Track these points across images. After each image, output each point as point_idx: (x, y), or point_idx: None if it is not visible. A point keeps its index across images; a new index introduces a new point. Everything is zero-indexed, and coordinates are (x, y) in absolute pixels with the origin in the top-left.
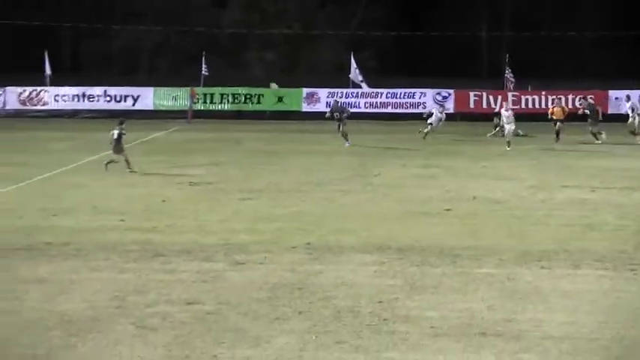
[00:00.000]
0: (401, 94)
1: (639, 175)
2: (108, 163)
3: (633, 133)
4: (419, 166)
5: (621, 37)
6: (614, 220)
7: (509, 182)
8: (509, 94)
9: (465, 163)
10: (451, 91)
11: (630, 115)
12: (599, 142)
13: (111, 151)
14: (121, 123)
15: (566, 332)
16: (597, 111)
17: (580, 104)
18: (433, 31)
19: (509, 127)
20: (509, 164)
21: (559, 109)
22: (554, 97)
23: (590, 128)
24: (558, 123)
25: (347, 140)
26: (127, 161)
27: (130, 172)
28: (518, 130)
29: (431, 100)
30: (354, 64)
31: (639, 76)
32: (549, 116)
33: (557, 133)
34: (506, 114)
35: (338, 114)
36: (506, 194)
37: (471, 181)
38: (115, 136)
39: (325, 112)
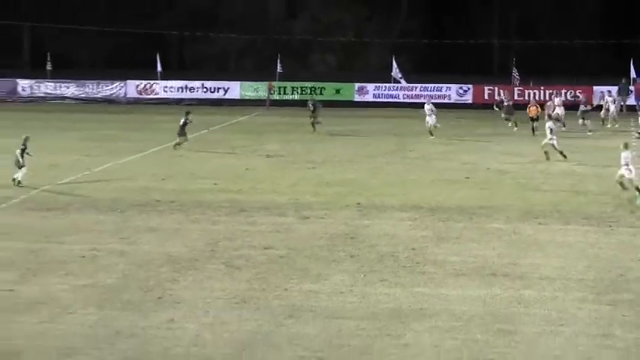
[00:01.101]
0: (431, 87)
1: (613, 153)
2: (176, 144)
3: (603, 122)
4: (444, 144)
5: (605, 44)
6: (596, 187)
7: (515, 157)
8: (515, 89)
9: (480, 142)
10: (470, 85)
11: (610, 107)
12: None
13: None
14: (187, 113)
15: (558, 274)
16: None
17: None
18: (456, 39)
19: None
20: (516, 143)
21: (534, 108)
22: (550, 90)
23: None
24: (535, 122)
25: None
26: (178, 144)
27: (174, 148)
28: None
29: (455, 93)
30: (394, 65)
31: (618, 75)
32: (529, 115)
33: (533, 129)
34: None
35: (311, 104)
36: (512, 166)
37: (485, 156)
38: (181, 123)
39: (371, 102)
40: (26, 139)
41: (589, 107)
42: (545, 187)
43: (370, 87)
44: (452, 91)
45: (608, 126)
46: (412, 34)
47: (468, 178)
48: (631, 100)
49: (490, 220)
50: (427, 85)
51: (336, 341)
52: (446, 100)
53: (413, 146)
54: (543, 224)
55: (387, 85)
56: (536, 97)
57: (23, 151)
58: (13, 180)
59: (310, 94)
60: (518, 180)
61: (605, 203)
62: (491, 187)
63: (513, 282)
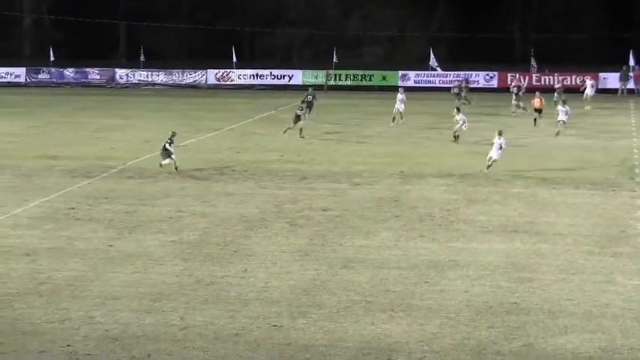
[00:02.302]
0: (462, 75)
1: (616, 128)
2: (286, 130)
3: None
4: (472, 121)
5: (609, 36)
6: (601, 157)
7: (533, 131)
8: (534, 75)
9: (503, 119)
10: (495, 72)
11: (588, 90)
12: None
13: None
14: (302, 102)
15: (569, 230)
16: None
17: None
18: (484, 33)
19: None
20: (530, 121)
21: (539, 100)
22: (562, 77)
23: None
24: (538, 113)
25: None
26: (290, 128)
27: (284, 132)
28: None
29: (482, 79)
30: (432, 55)
31: (620, 63)
32: (535, 107)
33: (535, 120)
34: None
35: (311, 97)
36: (530, 140)
37: (507, 131)
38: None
39: (413, 87)
40: (173, 135)
41: (522, 89)
42: (557, 157)
43: (411, 74)
44: (480, 77)
45: (587, 107)
46: (447, 29)
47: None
48: (630, 85)
49: (512, 185)
50: (458, 72)
51: (383, 287)
52: (475, 85)
53: (447, 123)
54: (557, 189)
55: (426, 72)
56: (550, 82)
57: (170, 143)
58: (161, 165)
59: (361, 80)
60: (535, 151)
61: (609, 171)
62: (512, 157)
63: (531, 237)
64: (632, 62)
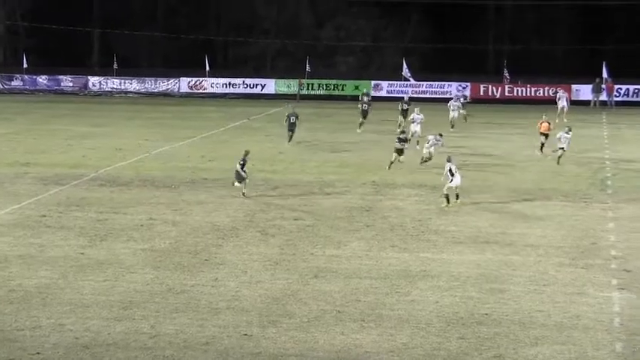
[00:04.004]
0: (435, 85)
1: (588, 140)
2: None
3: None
4: (445, 132)
5: (582, 49)
6: (573, 169)
7: (507, 143)
8: (506, 86)
9: (477, 130)
10: (468, 83)
11: (561, 104)
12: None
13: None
14: (289, 118)
15: (541, 242)
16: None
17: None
18: (457, 44)
19: None
20: (506, 131)
21: (546, 124)
22: (536, 88)
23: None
24: (544, 137)
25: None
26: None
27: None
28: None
29: (455, 89)
30: (405, 65)
31: (593, 76)
32: (540, 131)
33: (543, 145)
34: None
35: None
36: (504, 151)
37: (482, 142)
38: (292, 120)
39: (386, 97)
40: (246, 154)
41: (467, 100)
42: (530, 168)
43: (384, 84)
44: (452, 88)
45: (565, 120)
46: (420, 40)
47: (465, 161)
48: (603, 97)
49: (484, 197)
50: (432, 82)
51: (353, 297)
52: (447, 96)
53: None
54: (528, 200)
55: (399, 82)
56: (524, 94)
57: (243, 165)
58: (233, 184)
59: (333, 89)
60: (508, 162)
61: (581, 183)
62: (486, 169)
63: (502, 248)
64: (604, 74)
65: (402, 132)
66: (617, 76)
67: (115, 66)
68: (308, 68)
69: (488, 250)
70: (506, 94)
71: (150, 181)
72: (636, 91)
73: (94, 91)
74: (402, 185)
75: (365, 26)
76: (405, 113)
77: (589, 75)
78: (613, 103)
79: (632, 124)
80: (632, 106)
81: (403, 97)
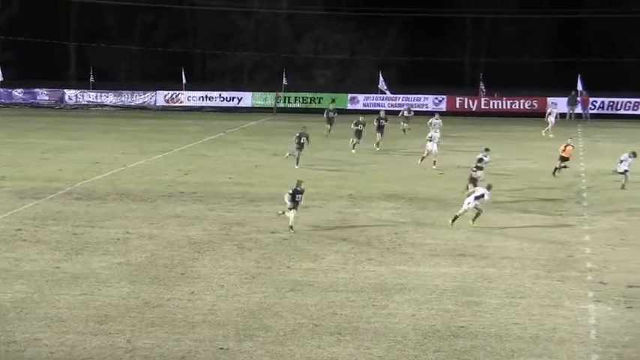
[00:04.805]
0: (411, 98)
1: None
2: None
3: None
4: (420, 145)
5: (557, 62)
6: (549, 182)
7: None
8: (482, 99)
9: (451, 143)
10: (445, 96)
11: (551, 119)
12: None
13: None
14: (299, 138)
15: (517, 254)
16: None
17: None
18: (433, 57)
19: None
20: (482, 144)
21: (571, 148)
22: (511, 100)
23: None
24: (564, 162)
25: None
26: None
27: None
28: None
29: (431, 102)
30: (381, 78)
31: (568, 89)
32: (562, 154)
33: (559, 168)
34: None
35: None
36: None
37: (457, 155)
38: (302, 140)
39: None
40: (298, 184)
41: (411, 114)
42: (506, 181)
43: (361, 97)
44: (429, 101)
45: (551, 135)
46: (397, 53)
47: (441, 173)
48: (578, 109)
49: (459, 209)
50: (408, 95)
51: (330, 310)
52: (424, 109)
53: (395, 146)
54: (505, 212)
55: (375, 95)
56: (499, 106)
57: (294, 195)
58: (279, 214)
59: (310, 102)
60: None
61: (557, 195)
62: (460, 181)
63: (479, 261)
64: (579, 87)
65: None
66: (593, 89)
67: (92, 79)
68: (285, 81)
69: (465, 263)
70: (482, 106)
71: (126, 195)
72: (611, 103)
73: (71, 105)
74: (379, 198)
75: (342, 39)
76: (381, 130)
77: (565, 88)
78: (588, 115)
79: (607, 136)
80: (607, 119)
81: (380, 112)
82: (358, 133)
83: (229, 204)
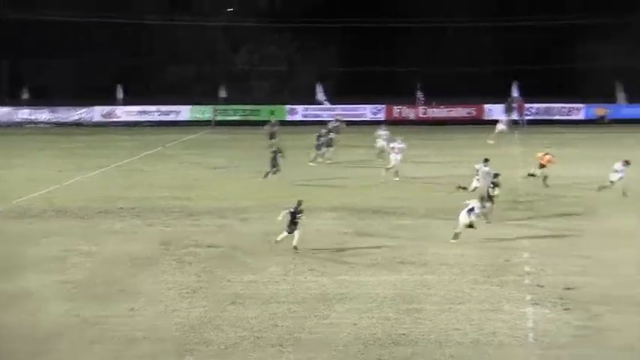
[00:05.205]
0: (349, 107)
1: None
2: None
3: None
4: (361, 155)
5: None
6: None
7: (421, 164)
8: (420, 108)
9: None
10: (383, 105)
11: (500, 126)
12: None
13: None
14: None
15: (456, 260)
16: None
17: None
18: (372, 67)
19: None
20: (423, 152)
21: (550, 156)
22: (449, 109)
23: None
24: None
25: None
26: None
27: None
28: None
29: (369, 112)
30: (319, 89)
31: (505, 95)
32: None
33: (534, 175)
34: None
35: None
36: (419, 173)
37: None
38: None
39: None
40: (299, 204)
41: (339, 124)
42: (443, 189)
43: (300, 108)
44: (367, 111)
45: (490, 142)
46: (335, 63)
47: (383, 182)
48: (514, 116)
49: (400, 218)
50: (347, 105)
51: (271, 322)
52: (362, 118)
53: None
54: (444, 219)
55: (314, 106)
56: (438, 115)
57: (294, 215)
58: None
59: (249, 115)
60: (424, 184)
61: (495, 201)
62: (402, 191)
63: (418, 268)
64: (515, 94)
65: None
66: (528, 96)
67: (25, 96)
68: (223, 94)
69: (404, 271)
70: (421, 115)
71: (63, 212)
72: (547, 109)
73: (3, 122)
74: (319, 208)
75: (277, 51)
76: (330, 142)
77: (502, 95)
78: (524, 121)
79: (543, 142)
80: (543, 125)
81: (327, 124)
82: (319, 147)
83: (168, 218)
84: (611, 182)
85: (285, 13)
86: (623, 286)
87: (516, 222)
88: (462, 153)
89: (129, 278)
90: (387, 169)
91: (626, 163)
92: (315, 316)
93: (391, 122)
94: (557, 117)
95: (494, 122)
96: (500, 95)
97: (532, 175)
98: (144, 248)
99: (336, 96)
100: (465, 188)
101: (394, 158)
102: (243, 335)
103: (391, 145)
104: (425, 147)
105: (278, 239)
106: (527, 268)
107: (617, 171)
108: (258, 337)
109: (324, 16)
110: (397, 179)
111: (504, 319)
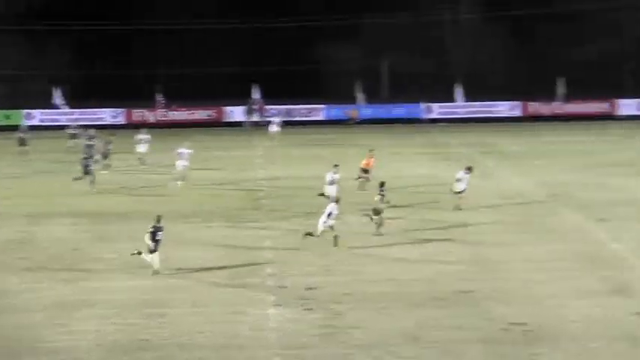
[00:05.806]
0: (88, 111)
1: (242, 161)
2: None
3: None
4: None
5: (234, 72)
6: (231, 191)
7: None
8: (159, 111)
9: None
10: (123, 109)
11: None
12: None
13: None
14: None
15: (196, 263)
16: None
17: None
18: (111, 70)
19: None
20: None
21: (372, 160)
22: (190, 111)
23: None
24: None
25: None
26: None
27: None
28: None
29: (109, 116)
30: (56, 93)
31: (245, 97)
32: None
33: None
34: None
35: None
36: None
37: (117, 173)
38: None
39: (38, 126)
40: (158, 220)
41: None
42: (191, 190)
43: (37, 113)
44: (106, 114)
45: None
46: (72, 67)
47: (123, 187)
48: (255, 117)
49: (141, 222)
50: (85, 109)
51: (6, 333)
52: (102, 122)
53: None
54: (188, 223)
55: (52, 110)
56: (179, 118)
57: (154, 233)
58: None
59: None
60: (161, 191)
61: (238, 203)
62: (143, 194)
63: (162, 272)
64: (256, 96)
65: None
66: (270, 97)
67: None
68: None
69: (143, 275)
70: (161, 118)
71: None
72: (288, 111)
73: None
74: (58, 214)
75: (10, 53)
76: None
77: (242, 97)
78: (265, 122)
79: (283, 143)
80: (284, 126)
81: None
82: (85, 169)
83: None
84: (456, 193)
85: (19, 14)
86: (363, 284)
87: (258, 223)
88: (203, 155)
89: None
90: (175, 178)
91: (468, 169)
92: (55, 324)
93: (133, 126)
94: (297, 118)
95: (236, 124)
96: (241, 97)
97: (361, 178)
98: None
99: (74, 100)
100: (324, 195)
101: (181, 164)
102: None
103: (178, 150)
104: (162, 151)
105: (134, 252)
106: (269, 270)
107: (459, 180)
108: None
109: (61, 18)
110: (181, 183)
111: (247, 321)
